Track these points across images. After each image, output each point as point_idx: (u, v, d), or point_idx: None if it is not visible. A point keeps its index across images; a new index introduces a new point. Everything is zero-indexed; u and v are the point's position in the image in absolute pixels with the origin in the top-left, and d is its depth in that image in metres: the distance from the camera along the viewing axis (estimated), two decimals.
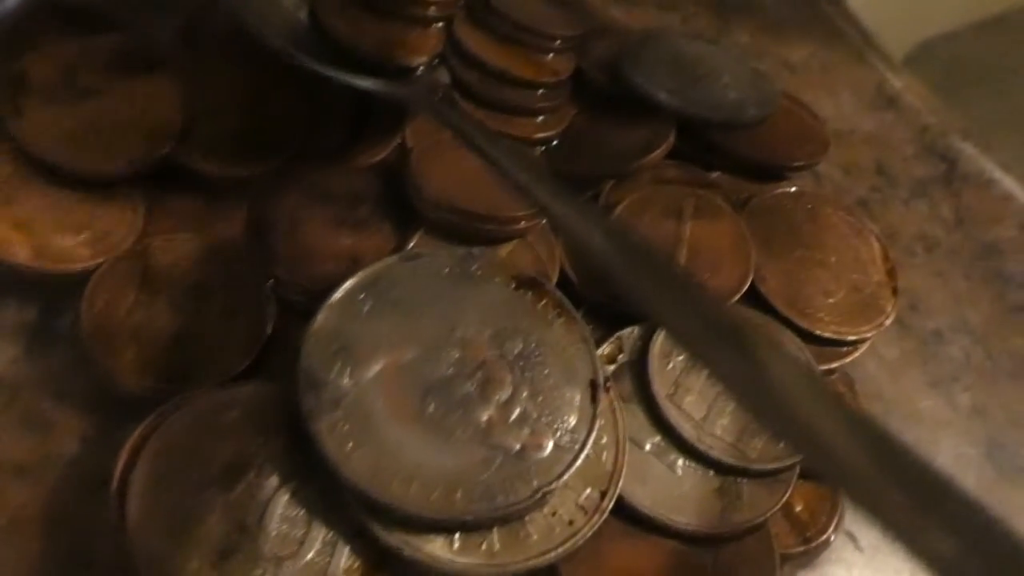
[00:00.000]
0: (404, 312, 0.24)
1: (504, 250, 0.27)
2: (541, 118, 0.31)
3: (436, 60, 0.31)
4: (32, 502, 0.22)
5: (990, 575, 0.11)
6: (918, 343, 0.31)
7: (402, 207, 0.28)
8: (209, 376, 0.23)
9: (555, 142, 0.31)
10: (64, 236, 0.25)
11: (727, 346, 0.14)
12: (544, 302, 0.25)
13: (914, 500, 0.12)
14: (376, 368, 0.23)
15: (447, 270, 0.25)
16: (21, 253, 0.24)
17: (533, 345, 0.24)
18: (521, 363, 0.24)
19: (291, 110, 0.29)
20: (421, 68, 0.30)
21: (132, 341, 0.24)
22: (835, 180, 0.35)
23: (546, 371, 0.24)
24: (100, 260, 0.25)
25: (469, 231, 0.27)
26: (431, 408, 0.23)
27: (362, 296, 0.24)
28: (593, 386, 0.24)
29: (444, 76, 0.31)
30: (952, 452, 0.29)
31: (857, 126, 0.37)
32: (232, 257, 0.26)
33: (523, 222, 0.27)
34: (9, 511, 0.22)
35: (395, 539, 0.21)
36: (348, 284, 0.24)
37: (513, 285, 0.25)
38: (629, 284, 0.16)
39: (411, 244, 0.27)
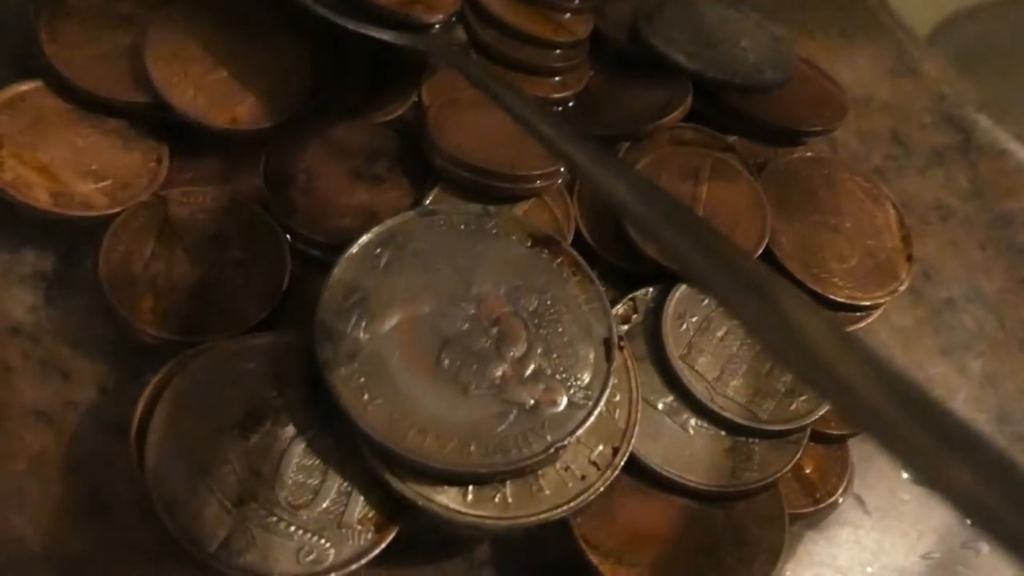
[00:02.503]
0: (421, 267, 0.24)
1: (520, 208, 0.27)
2: (558, 78, 0.31)
3: (454, 18, 0.31)
4: (52, 447, 0.22)
5: (1011, 507, 0.11)
6: (931, 311, 0.31)
7: (419, 164, 0.28)
8: (226, 327, 0.24)
9: (571, 103, 0.31)
10: (85, 182, 0.25)
11: (751, 294, 0.14)
12: (560, 260, 0.25)
13: (933, 437, 0.12)
14: (392, 321, 0.23)
15: (464, 226, 0.25)
16: (41, 197, 0.24)
17: (548, 302, 0.24)
18: (536, 320, 0.24)
19: (311, 64, 0.28)
20: (438, 25, 0.30)
21: (150, 291, 0.24)
22: (851, 147, 0.35)
23: (560, 328, 0.24)
24: (119, 208, 0.25)
25: (485, 188, 0.27)
26: (446, 362, 0.23)
27: (379, 250, 0.24)
28: (607, 344, 0.24)
29: (461, 34, 0.31)
30: None
31: (874, 94, 0.37)
32: (250, 210, 0.26)
33: (539, 180, 0.27)
34: (30, 455, 0.22)
35: (409, 490, 0.21)
36: (365, 238, 0.24)
37: (529, 243, 0.25)
38: (653, 232, 0.16)
39: (428, 200, 0.27)
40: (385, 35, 0.26)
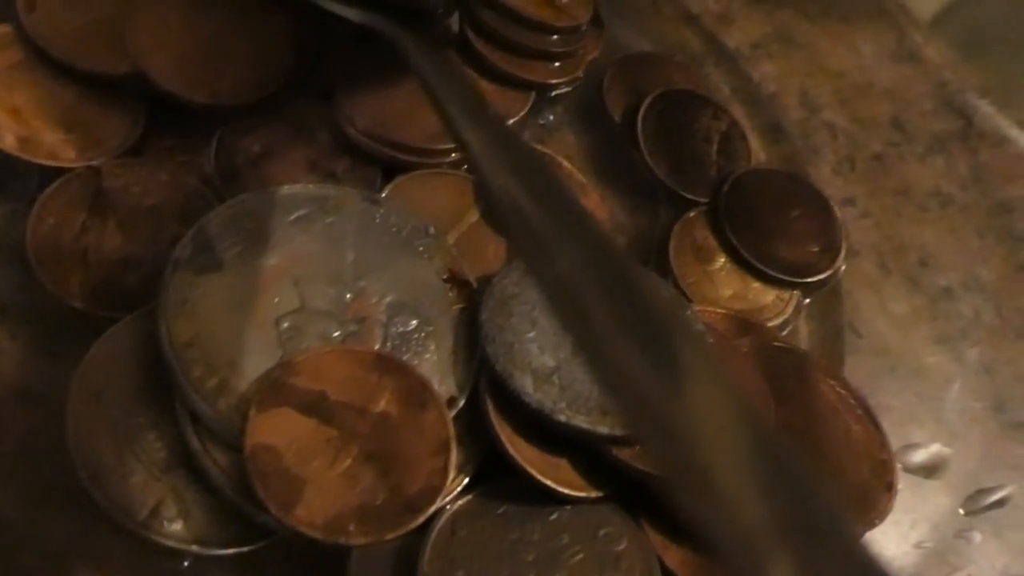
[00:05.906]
0: (328, 237, 0.24)
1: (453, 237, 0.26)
2: (557, 63, 0.31)
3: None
4: (41, 428, 0.22)
5: None
6: (928, 299, 0.31)
7: (382, 176, 0.27)
8: None
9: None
10: (55, 131, 0.25)
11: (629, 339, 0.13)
12: (462, 307, 0.24)
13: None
14: (268, 261, 0.23)
15: (395, 230, 0.24)
16: (8, 139, 0.24)
17: (422, 335, 0.23)
18: (398, 342, 0.23)
19: (294, 41, 0.28)
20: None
21: (79, 264, 0.23)
22: (850, 133, 0.34)
23: (416, 362, 0.23)
24: (85, 163, 0.24)
25: (398, 162, 0.27)
26: (284, 324, 0.22)
27: (306, 211, 0.24)
28: (450, 401, 0.22)
29: (455, 24, 0.31)
30: (958, 407, 0.29)
31: (875, 79, 0.36)
32: (189, 184, 0.25)
33: (454, 154, 0.27)
34: (20, 435, 0.22)
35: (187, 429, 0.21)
36: (296, 187, 0.24)
37: (445, 276, 0.24)
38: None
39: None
40: (352, 14, 0.25)
